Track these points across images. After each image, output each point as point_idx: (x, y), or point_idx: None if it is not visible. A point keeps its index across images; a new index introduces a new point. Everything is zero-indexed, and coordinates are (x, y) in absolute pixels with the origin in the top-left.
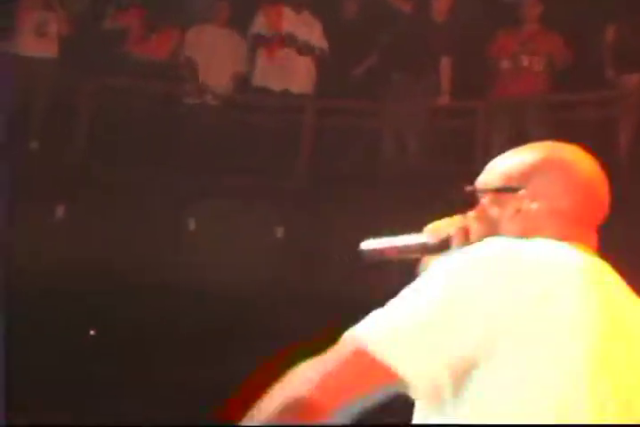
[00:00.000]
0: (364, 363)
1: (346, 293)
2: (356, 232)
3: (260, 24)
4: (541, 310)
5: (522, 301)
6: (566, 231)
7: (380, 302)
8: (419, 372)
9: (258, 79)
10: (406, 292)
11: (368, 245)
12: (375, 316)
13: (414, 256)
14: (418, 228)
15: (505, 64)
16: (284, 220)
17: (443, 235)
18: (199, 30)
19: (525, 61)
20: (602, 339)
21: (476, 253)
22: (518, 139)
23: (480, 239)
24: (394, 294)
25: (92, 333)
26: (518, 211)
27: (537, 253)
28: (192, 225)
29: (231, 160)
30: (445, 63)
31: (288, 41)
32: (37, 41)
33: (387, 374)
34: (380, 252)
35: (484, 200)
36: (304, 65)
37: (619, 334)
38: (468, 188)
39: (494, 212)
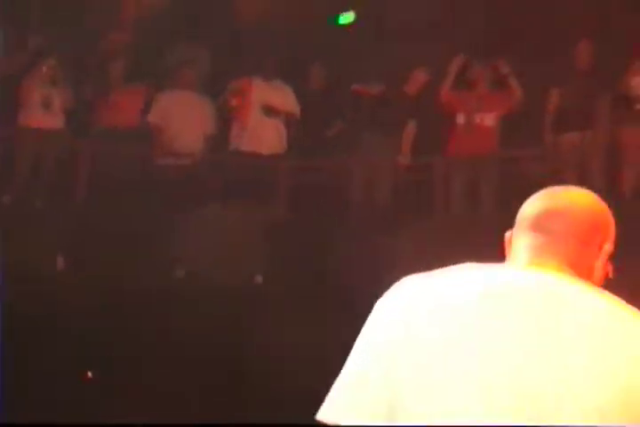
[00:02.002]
0: None
1: None
2: None
3: (231, 94)
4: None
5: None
6: (528, 253)
7: None
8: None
9: (232, 144)
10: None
11: None
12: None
13: None
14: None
15: (460, 120)
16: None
17: None
18: (169, 94)
19: (478, 119)
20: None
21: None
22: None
23: None
24: None
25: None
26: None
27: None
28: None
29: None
30: (411, 125)
31: (257, 108)
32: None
33: None
34: None
35: None
36: (275, 129)
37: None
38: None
39: None
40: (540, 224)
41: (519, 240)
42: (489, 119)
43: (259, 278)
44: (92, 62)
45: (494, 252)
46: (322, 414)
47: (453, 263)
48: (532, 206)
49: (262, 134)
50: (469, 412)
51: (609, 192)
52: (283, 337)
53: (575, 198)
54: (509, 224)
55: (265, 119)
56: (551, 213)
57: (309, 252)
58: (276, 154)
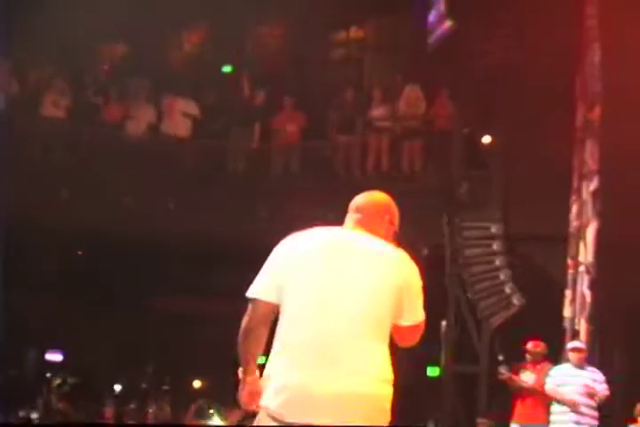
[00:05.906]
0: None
1: None
2: None
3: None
4: (296, 265)
5: (290, 262)
6: (351, 223)
7: None
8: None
9: (162, 129)
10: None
11: None
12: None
13: None
14: None
15: None
16: None
17: None
18: None
19: None
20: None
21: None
22: None
23: None
24: None
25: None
26: None
27: (299, 237)
28: None
29: None
30: None
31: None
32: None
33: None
34: None
35: None
36: (187, 123)
37: (335, 272)
38: None
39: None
40: (357, 208)
41: (349, 216)
42: None
43: None
44: None
45: None
46: (249, 293)
47: None
48: (355, 200)
49: (179, 125)
50: (315, 299)
51: None
52: None
53: (375, 195)
54: None
55: (182, 118)
56: (361, 202)
57: None
58: (184, 137)
